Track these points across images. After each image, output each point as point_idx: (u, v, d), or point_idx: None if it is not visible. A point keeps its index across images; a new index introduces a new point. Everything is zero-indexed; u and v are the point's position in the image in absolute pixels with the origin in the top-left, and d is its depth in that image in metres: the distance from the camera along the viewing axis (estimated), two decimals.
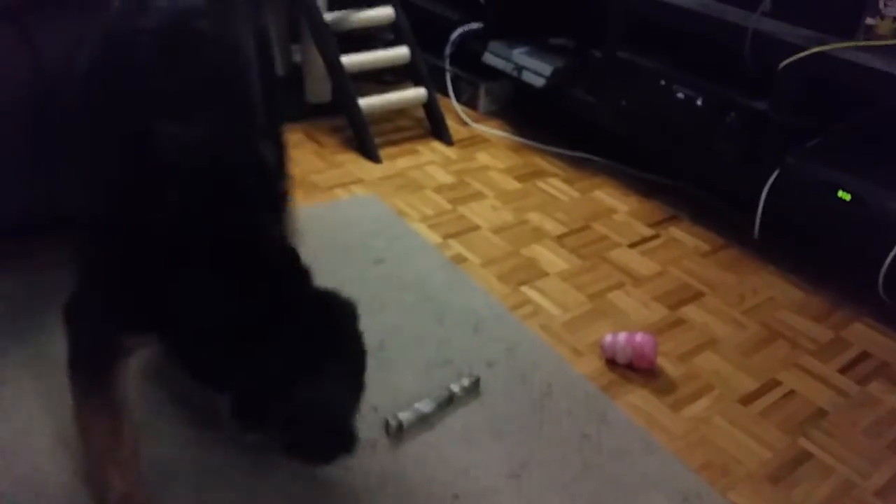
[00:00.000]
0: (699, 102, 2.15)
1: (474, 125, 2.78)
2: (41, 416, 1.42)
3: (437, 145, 2.63)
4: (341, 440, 1.13)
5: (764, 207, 2.03)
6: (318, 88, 2.76)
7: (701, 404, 1.63)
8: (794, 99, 1.97)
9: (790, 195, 1.97)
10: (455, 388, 1.56)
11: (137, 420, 1.43)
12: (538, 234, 2.17)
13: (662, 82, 2.23)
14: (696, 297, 1.97)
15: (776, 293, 2.01)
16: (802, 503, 1.42)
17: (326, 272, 1.25)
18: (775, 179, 1.99)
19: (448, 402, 1.54)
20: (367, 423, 1.48)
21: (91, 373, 1.19)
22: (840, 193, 1.87)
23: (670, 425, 1.57)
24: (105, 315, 1.14)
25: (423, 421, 1.50)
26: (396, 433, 1.46)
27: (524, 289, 1.94)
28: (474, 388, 1.59)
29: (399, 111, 2.79)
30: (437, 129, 2.68)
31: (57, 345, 1.21)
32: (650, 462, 1.48)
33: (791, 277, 2.07)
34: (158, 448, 1.40)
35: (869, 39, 1.85)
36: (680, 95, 2.19)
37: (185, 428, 1.44)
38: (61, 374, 1.20)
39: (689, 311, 1.91)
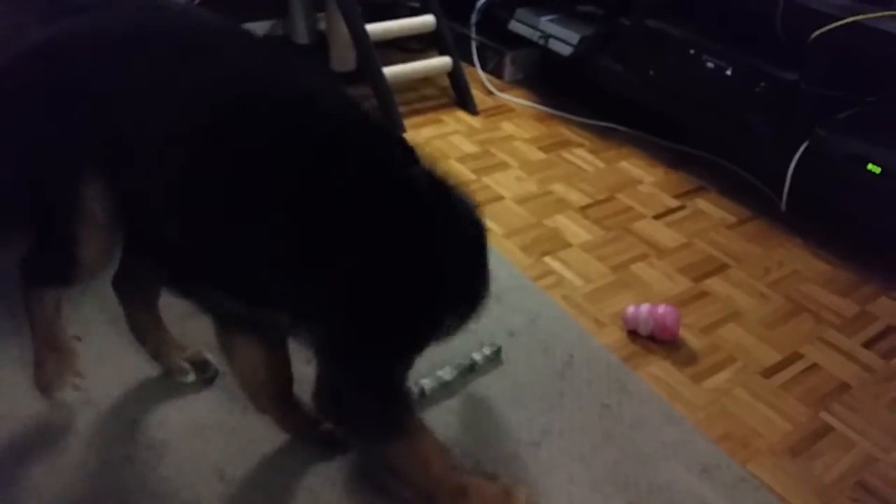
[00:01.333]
0: (729, 72, 2.12)
1: (499, 94, 2.76)
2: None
3: (462, 115, 2.62)
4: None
5: (792, 180, 2.01)
6: (343, 56, 2.75)
7: (722, 376, 1.63)
8: (825, 70, 1.93)
9: (819, 168, 1.95)
10: (477, 356, 1.57)
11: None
12: (562, 205, 2.17)
13: (692, 51, 2.20)
14: (721, 269, 1.96)
15: (802, 266, 1.99)
16: (822, 476, 1.42)
17: None
18: (804, 151, 1.96)
19: (469, 371, 1.56)
20: None
21: None
22: (870, 166, 1.84)
23: (691, 396, 1.58)
24: None
25: (445, 388, 1.51)
26: (419, 399, 1.48)
27: (547, 259, 1.95)
28: (496, 357, 1.60)
29: (424, 80, 2.78)
30: (461, 98, 2.67)
31: None
32: (670, 433, 1.48)
33: (817, 251, 2.05)
34: (187, 410, 1.44)
35: None
36: (709, 65, 2.16)
37: (212, 390, 1.48)
38: None
39: (714, 284, 1.91)
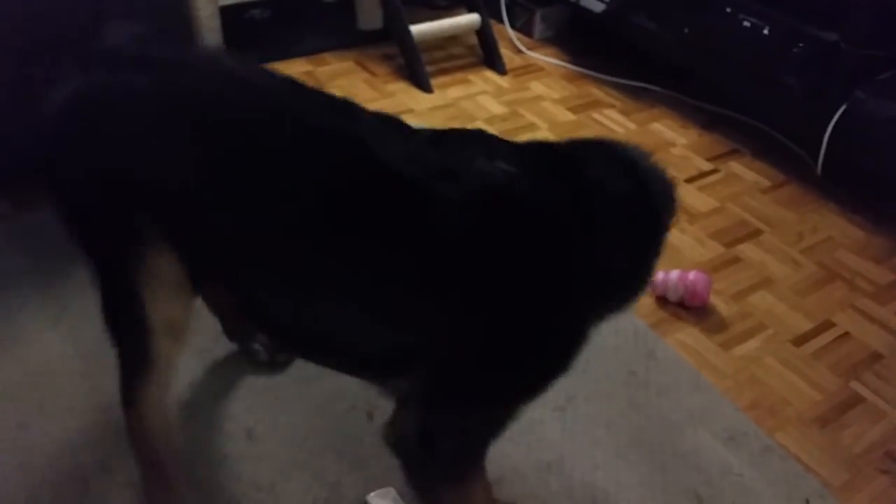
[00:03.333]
0: (766, 32, 2.05)
1: (528, 53, 2.71)
2: None
3: (490, 74, 2.58)
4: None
5: (828, 143, 1.95)
6: (370, 15, 2.71)
7: (752, 344, 1.62)
8: (868, 29, 1.86)
9: (857, 131, 1.89)
10: None
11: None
12: None
13: (728, 9, 2.13)
14: (754, 234, 1.93)
15: (836, 233, 1.95)
16: (851, 446, 1.41)
17: None
18: (842, 114, 1.90)
19: None
20: None
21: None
22: None
23: (720, 364, 1.56)
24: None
25: None
26: None
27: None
28: None
29: (451, 38, 2.74)
30: (489, 57, 2.62)
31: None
32: (697, 400, 1.48)
33: (852, 217, 2.00)
34: (216, 371, 1.46)
35: None
36: (746, 24, 2.09)
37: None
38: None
39: (746, 249, 1.87)
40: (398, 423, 1.01)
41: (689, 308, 1.67)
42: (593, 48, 2.71)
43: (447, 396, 0.98)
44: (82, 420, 1.35)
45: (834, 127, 1.92)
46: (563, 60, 2.68)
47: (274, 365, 1.47)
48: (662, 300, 1.70)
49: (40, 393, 1.38)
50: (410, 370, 0.99)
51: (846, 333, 1.66)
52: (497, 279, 0.92)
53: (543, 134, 2.27)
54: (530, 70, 2.62)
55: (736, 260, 1.84)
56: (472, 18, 2.60)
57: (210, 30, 2.42)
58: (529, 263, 0.93)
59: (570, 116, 2.37)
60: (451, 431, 0.99)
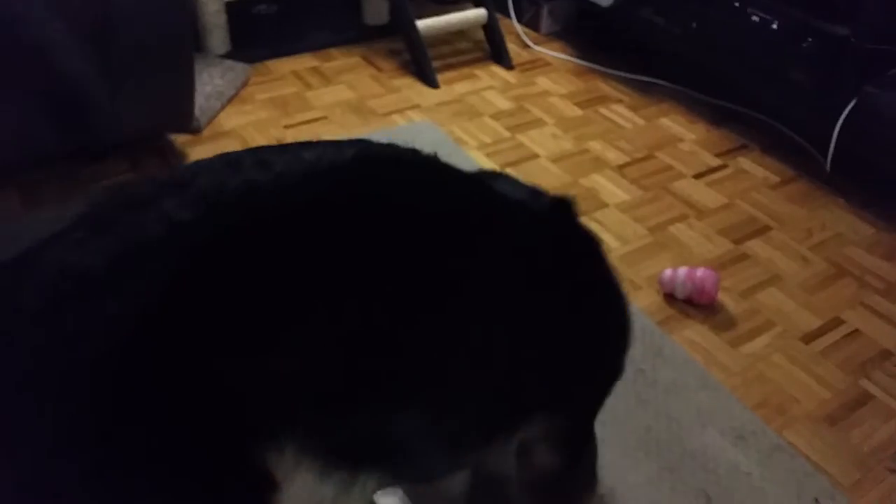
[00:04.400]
0: (775, 26, 2.03)
1: (535, 47, 2.70)
2: None
3: (497, 69, 2.57)
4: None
5: (838, 139, 1.94)
6: (376, 10, 2.70)
7: (761, 341, 1.61)
8: (878, 24, 1.85)
9: (866, 127, 1.88)
10: None
11: None
12: (599, 164, 2.13)
13: (736, 4, 2.12)
14: (763, 230, 1.92)
15: (845, 229, 1.94)
16: (860, 445, 1.40)
17: None
18: (851, 110, 1.89)
19: None
20: None
21: None
22: None
23: (728, 362, 1.55)
24: None
25: None
26: None
27: (582, 220, 1.91)
28: None
29: (458, 33, 2.73)
30: (496, 52, 2.61)
31: None
32: (706, 398, 1.47)
33: (862, 213, 1.99)
34: None
35: None
36: (755, 18, 2.08)
37: None
38: None
39: (755, 246, 1.86)
40: (528, 468, 1.00)
41: (697, 305, 1.67)
42: (601, 43, 2.69)
43: (582, 412, 1.03)
44: None
45: (843, 122, 1.91)
46: (571, 55, 2.66)
47: None
48: (670, 297, 1.69)
49: None
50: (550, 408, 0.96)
51: (856, 331, 1.65)
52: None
53: (551, 129, 2.26)
54: (537, 65, 2.61)
55: (744, 257, 1.83)
56: (478, 13, 2.59)
57: (216, 26, 2.42)
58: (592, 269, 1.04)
59: (578, 112, 2.36)
60: (588, 442, 1.06)
